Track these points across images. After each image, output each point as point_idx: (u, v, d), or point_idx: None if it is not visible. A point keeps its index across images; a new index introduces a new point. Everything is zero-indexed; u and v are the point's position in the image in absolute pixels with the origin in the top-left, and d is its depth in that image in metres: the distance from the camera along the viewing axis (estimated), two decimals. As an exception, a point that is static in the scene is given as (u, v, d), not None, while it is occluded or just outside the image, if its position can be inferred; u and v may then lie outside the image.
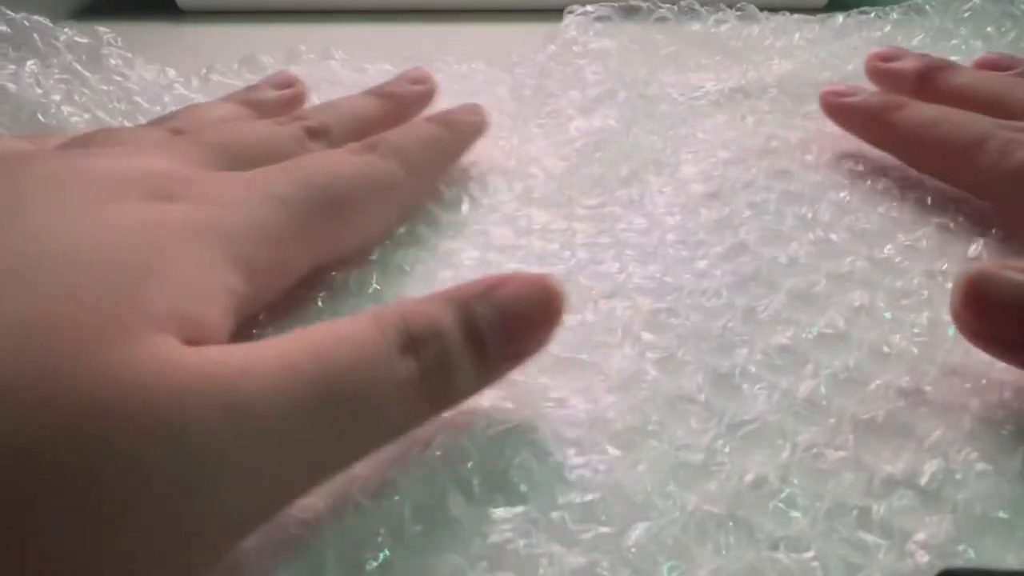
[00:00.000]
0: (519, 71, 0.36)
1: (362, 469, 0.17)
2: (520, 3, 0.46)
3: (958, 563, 0.15)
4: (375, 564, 0.14)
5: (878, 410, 0.19)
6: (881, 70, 0.31)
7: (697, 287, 0.23)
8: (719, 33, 0.40)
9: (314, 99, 0.33)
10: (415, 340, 0.15)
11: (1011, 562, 0.15)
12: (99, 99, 0.31)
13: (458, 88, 0.35)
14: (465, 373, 0.16)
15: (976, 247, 0.25)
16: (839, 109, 0.29)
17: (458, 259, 0.24)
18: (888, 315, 0.22)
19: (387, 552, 0.15)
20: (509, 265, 0.24)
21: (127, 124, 0.30)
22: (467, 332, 0.16)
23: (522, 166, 0.29)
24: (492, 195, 0.28)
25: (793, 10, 0.43)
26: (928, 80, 0.29)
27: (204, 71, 0.35)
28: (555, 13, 0.42)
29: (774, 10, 0.43)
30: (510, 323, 0.16)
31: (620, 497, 0.16)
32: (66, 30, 0.35)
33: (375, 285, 0.23)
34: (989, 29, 0.40)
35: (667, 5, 0.42)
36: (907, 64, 0.30)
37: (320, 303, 0.22)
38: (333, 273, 0.23)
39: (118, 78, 0.32)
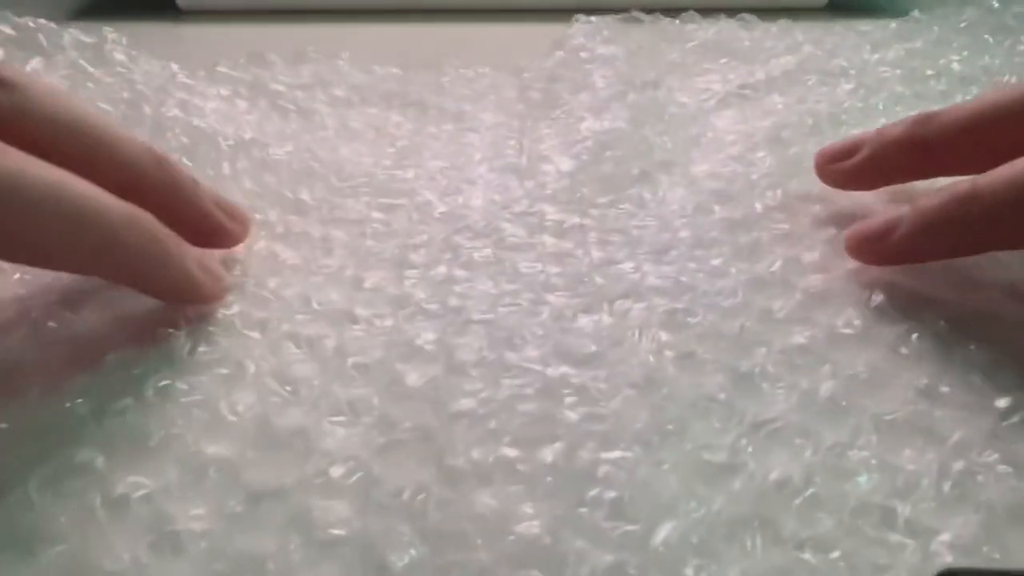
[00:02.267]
0: (527, 75, 0.36)
1: (381, 471, 0.17)
2: (526, 4, 0.46)
3: (978, 562, 0.15)
4: (402, 563, 0.14)
5: (899, 411, 0.19)
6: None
7: (712, 287, 0.23)
8: (722, 39, 0.40)
9: (320, 97, 0.33)
10: None
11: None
12: (103, 91, 0.31)
13: (466, 91, 0.35)
14: None
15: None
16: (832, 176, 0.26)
17: (471, 257, 0.24)
18: (905, 314, 0.22)
19: (413, 552, 0.14)
20: (522, 264, 0.24)
21: (130, 114, 0.30)
22: None
23: (533, 164, 0.29)
24: (503, 192, 0.27)
25: (794, 10, 0.43)
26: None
27: (210, 64, 0.35)
28: (561, 15, 0.42)
29: (775, 10, 0.43)
30: None
31: (646, 495, 0.16)
32: (71, 30, 0.34)
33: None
34: (987, 37, 0.40)
35: (669, 17, 0.42)
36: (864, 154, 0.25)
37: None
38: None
39: (122, 71, 0.32)
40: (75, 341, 0.20)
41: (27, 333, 0.21)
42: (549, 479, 0.16)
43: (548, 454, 0.16)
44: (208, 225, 0.22)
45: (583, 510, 0.15)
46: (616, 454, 0.17)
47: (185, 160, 0.28)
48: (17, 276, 0.22)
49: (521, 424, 0.17)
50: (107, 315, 0.21)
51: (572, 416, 0.18)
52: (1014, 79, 0.35)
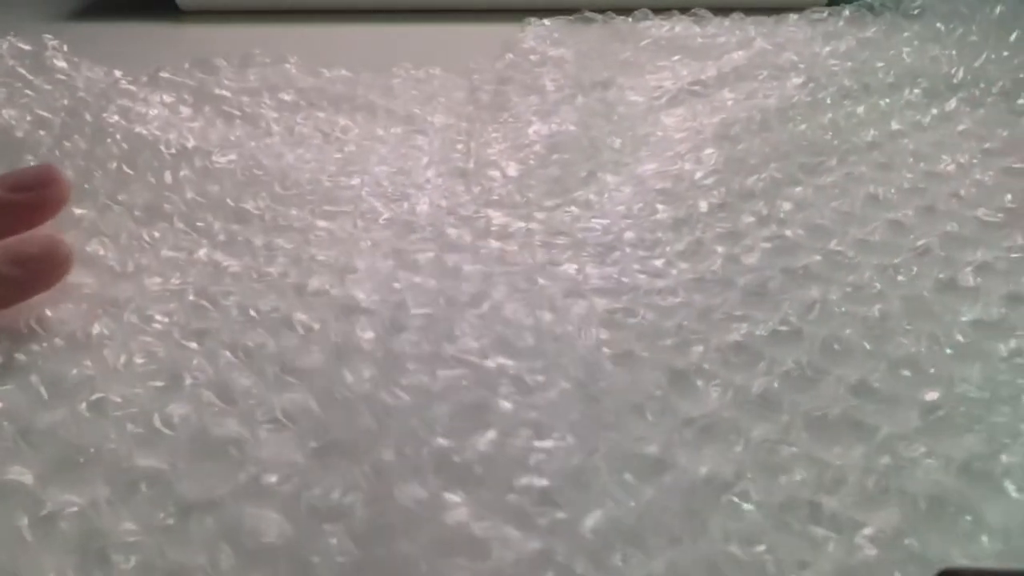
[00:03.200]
0: (476, 77, 0.36)
1: (314, 475, 0.17)
2: (477, 4, 0.46)
3: (898, 556, 0.16)
4: (329, 566, 0.14)
5: (829, 407, 0.19)
6: None
7: (653, 286, 0.23)
8: (675, 35, 0.41)
9: (267, 102, 0.33)
10: None
11: (955, 555, 0.16)
12: (42, 99, 0.30)
13: (415, 92, 0.35)
14: None
15: (924, 241, 0.25)
16: None
17: (414, 259, 0.24)
18: (841, 310, 0.22)
19: (340, 552, 0.14)
20: (466, 267, 0.24)
21: (70, 121, 0.29)
22: None
23: (480, 169, 0.29)
24: (450, 197, 0.27)
25: (795, 10, 0.44)
26: None
27: (153, 70, 0.34)
28: (514, 15, 0.42)
29: (775, 10, 0.44)
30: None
31: (577, 484, 0.16)
32: (9, 38, 0.34)
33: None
34: (939, 26, 0.41)
35: (622, 16, 0.42)
36: None
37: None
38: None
39: (62, 77, 0.32)
40: (5, 353, 0.20)
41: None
42: (479, 468, 0.16)
43: (480, 443, 0.17)
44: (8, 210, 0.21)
45: (512, 497, 0.15)
46: (549, 443, 0.17)
47: (126, 168, 0.27)
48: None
49: (455, 414, 0.17)
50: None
51: (507, 405, 0.18)
52: (961, 71, 0.36)
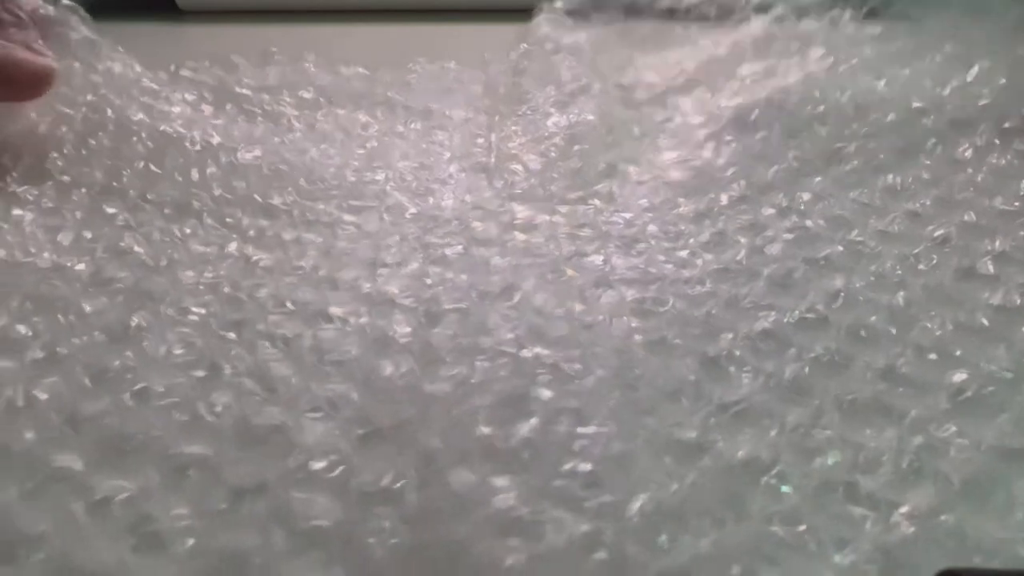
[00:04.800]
0: (492, 69, 0.37)
1: (361, 462, 0.17)
2: (492, 3, 0.47)
3: (937, 534, 0.16)
4: (384, 548, 0.15)
5: (860, 391, 0.19)
6: None
7: (680, 276, 0.23)
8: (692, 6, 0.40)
9: (287, 100, 0.33)
10: None
11: (991, 529, 0.16)
12: (63, 95, 0.30)
13: (433, 88, 0.35)
14: None
15: (942, 231, 0.26)
16: None
17: (443, 254, 0.24)
18: (865, 298, 0.22)
19: (393, 535, 0.15)
20: (494, 260, 0.24)
21: (93, 118, 0.29)
22: None
23: (502, 163, 0.30)
24: (474, 192, 0.28)
25: None
26: None
27: (173, 68, 0.34)
28: (527, 14, 0.42)
29: None
30: None
31: (620, 468, 0.16)
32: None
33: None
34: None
35: None
36: None
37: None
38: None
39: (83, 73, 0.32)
40: (48, 347, 0.20)
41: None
42: (525, 454, 0.16)
43: (523, 430, 0.17)
44: None
45: (559, 481, 0.16)
46: (590, 429, 0.17)
47: (153, 166, 0.27)
48: None
49: (496, 403, 0.18)
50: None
51: (547, 393, 0.18)
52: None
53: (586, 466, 0.16)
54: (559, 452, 0.17)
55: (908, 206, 0.27)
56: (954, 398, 0.19)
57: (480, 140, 0.31)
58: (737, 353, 0.20)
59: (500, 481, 0.16)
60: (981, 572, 0.15)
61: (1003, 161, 0.29)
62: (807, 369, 0.20)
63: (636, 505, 0.15)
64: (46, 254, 0.24)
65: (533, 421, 0.17)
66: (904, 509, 0.16)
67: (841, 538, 0.16)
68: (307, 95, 0.34)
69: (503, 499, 0.15)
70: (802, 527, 0.16)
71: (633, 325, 0.21)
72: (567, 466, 0.16)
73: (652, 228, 0.26)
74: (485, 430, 0.17)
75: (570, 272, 0.23)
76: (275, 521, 0.16)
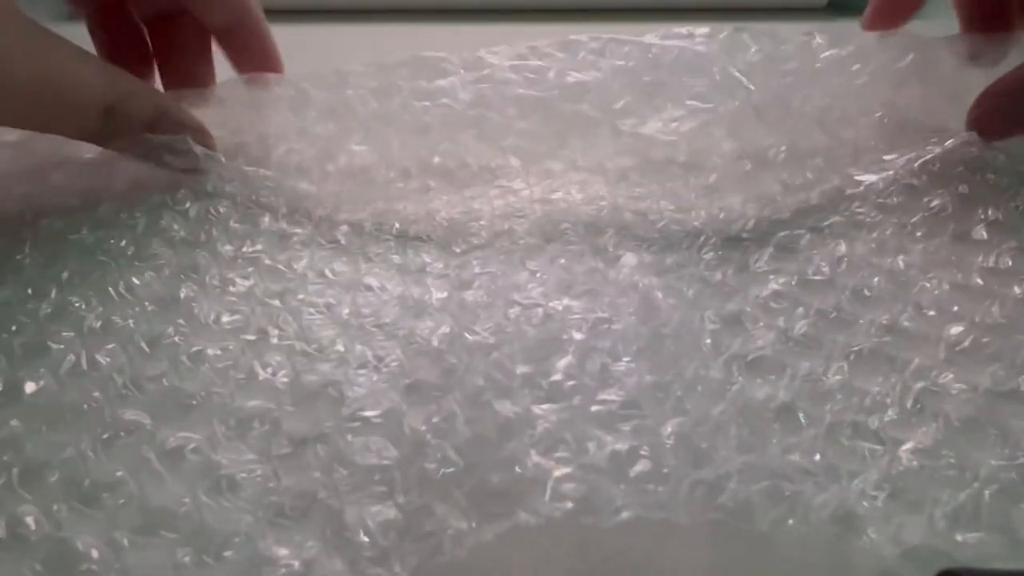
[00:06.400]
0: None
1: (411, 408, 0.18)
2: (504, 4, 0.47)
3: (939, 466, 0.18)
4: (441, 473, 0.16)
5: (865, 343, 0.21)
6: None
7: (693, 244, 0.25)
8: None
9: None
10: None
11: (988, 462, 0.18)
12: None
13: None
14: None
15: (937, 201, 0.27)
16: None
17: (473, 206, 0.26)
18: (867, 261, 0.24)
19: (449, 462, 0.16)
20: (517, 225, 0.25)
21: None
22: None
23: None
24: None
25: (794, 11, 0.45)
26: None
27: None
28: (531, 14, 0.43)
29: (775, 10, 0.45)
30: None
31: (652, 399, 0.18)
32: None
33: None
34: None
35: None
36: None
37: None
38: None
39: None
40: (103, 317, 0.22)
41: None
42: (565, 384, 0.18)
43: (560, 365, 0.18)
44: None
45: (597, 408, 0.17)
46: (622, 366, 0.19)
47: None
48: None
49: (532, 346, 0.19)
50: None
51: (579, 336, 0.19)
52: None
53: (621, 394, 0.18)
54: (595, 384, 0.18)
55: (906, 181, 0.29)
56: (952, 348, 0.21)
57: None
58: (749, 310, 0.22)
59: (542, 409, 0.17)
60: (981, 572, 0.15)
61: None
62: (816, 325, 0.21)
63: (669, 429, 0.17)
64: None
65: (569, 359, 0.19)
66: (908, 445, 0.18)
67: (852, 469, 0.17)
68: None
69: (546, 424, 0.17)
70: (818, 457, 0.17)
71: (654, 282, 0.22)
72: (603, 395, 0.18)
73: (664, 203, 0.27)
74: (525, 368, 0.18)
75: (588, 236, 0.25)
76: (336, 462, 0.17)
